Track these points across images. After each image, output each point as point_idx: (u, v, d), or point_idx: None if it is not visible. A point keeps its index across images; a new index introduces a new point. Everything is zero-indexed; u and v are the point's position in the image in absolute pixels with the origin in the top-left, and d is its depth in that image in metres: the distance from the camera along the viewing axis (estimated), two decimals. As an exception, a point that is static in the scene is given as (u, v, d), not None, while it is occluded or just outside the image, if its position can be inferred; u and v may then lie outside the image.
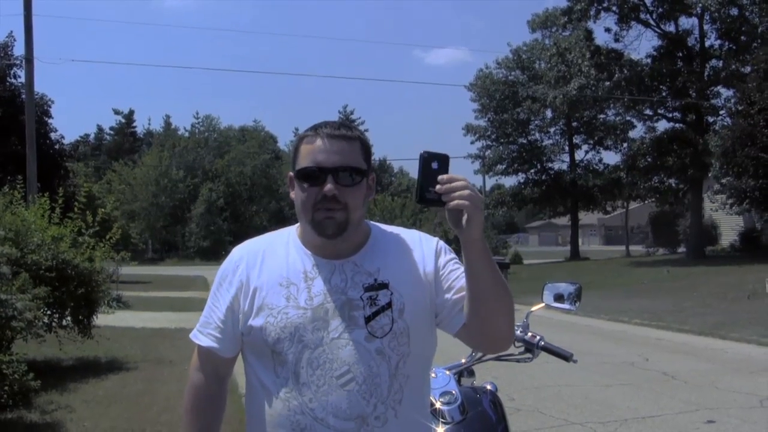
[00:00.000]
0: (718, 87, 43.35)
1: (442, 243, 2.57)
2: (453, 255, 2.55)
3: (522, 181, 61.16)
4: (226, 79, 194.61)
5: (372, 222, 2.57)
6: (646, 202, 58.28)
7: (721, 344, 15.16)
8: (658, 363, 12.90)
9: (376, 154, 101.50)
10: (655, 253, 51.29)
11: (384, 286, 2.40)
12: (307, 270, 2.43)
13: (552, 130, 61.14)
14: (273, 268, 2.46)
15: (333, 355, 2.32)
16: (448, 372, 3.50)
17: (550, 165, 61.29)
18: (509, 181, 66.01)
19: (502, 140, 60.25)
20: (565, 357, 3.67)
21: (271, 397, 2.38)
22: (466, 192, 2.22)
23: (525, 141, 60.53)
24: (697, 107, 42.07)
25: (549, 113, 57.64)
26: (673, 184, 46.86)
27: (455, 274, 2.47)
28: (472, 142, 61.30)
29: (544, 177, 60.70)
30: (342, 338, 2.34)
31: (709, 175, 37.41)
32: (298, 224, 2.54)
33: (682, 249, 48.05)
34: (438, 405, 3.30)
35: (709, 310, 20.29)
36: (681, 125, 44.20)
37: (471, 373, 3.82)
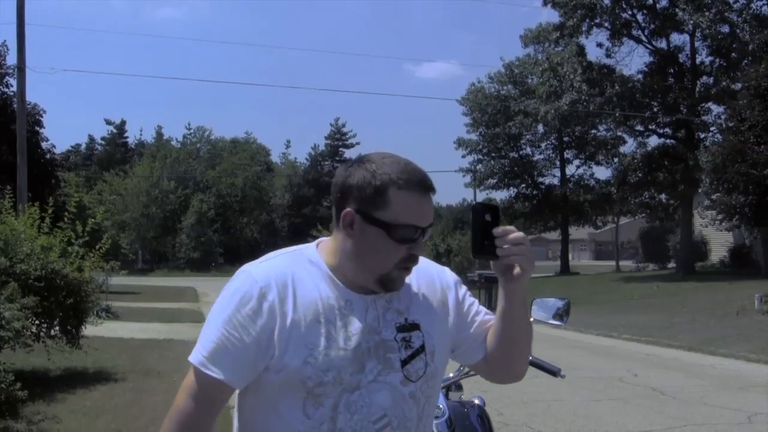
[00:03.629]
0: (709, 103, 43.53)
1: (454, 274, 2.56)
2: (465, 286, 2.56)
3: (513, 195, 61.30)
4: (218, 91, 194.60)
5: None
6: (636, 217, 58.37)
7: (710, 360, 15.18)
8: (647, 378, 12.91)
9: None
10: (645, 269, 51.35)
11: (416, 326, 2.31)
12: (342, 306, 2.24)
13: (543, 144, 61.33)
14: (307, 302, 2.22)
15: (370, 399, 2.21)
16: (435, 386, 3.49)
17: (541, 179, 61.47)
18: (500, 195, 66.03)
19: (493, 154, 60.36)
20: (553, 372, 3.67)
21: None
22: (524, 248, 2.27)
23: (516, 155, 60.66)
24: (688, 123, 42.19)
25: (541, 128, 57.84)
26: (664, 200, 46.96)
27: (474, 308, 2.52)
28: (463, 156, 61.51)
29: (535, 191, 60.82)
30: (378, 381, 2.22)
31: (700, 191, 37.47)
32: (320, 245, 2.38)
33: (672, 265, 48.12)
34: (426, 419, 3.29)
35: (698, 326, 20.32)
36: (672, 141, 44.33)
37: (459, 388, 3.82)
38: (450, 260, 46.53)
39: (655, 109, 44.06)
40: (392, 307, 2.30)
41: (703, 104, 43.40)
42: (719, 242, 44.15)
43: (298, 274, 2.25)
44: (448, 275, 2.52)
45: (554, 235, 70.28)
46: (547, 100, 46.72)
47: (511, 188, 60.96)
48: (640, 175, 43.37)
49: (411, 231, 2.20)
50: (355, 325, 2.23)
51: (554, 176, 61.37)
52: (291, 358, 2.16)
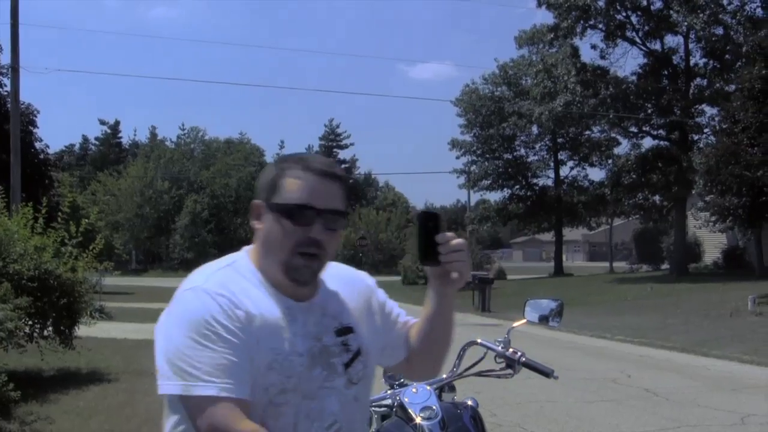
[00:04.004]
0: (703, 105, 43.61)
1: (372, 278, 2.60)
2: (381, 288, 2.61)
3: (507, 196, 61.25)
4: (213, 91, 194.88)
5: None
6: (630, 218, 58.48)
7: (704, 361, 15.20)
8: (640, 380, 12.92)
9: (362, 168, 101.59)
10: (639, 270, 51.42)
11: (351, 329, 2.34)
12: (286, 313, 2.23)
13: (537, 146, 61.29)
14: (263, 308, 2.20)
15: (322, 405, 2.22)
16: (429, 387, 3.48)
17: (535, 181, 61.44)
18: (494, 197, 66.11)
19: (487, 155, 60.31)
20: (546, 373, 3.66)
21: None
22: (464, 254, 2.32)
23: (510, 156, 60.62)
24: (682, 125, 42.26)
25: (535, 129, 57.87)
26: (658, 201, 47.04)
27: (396, 309, 2.59)
28: (457, 157, 61.39)
29: (529, 193, 60.81)
30: (326, 387, 2.23)
31: (693, 192, 37.52)
32: (248, 252, 2.35)
33: (665, 266, 48.20)
34: (418, 420, 3.29)
35: (691, 328, 20.35)
36: (666, 143, 44.40)
37: (452, 389, 3.82)
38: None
39: (649, 111, 44.13)
40: (327, 313, 2.31)
41: (697, 106, 43.48)
42: (713, 244, 44.22)
43: (243, 285, 2.24)
44: (368, 279, 2.57)
45: (548, 236, 70.37)
46: (541, 101, 46.77)
47: (505, 189, 60.93)
48: (633, 176, 43.43)
49: (304, 211, 2.20)
50: (301, 332, 2.22)
51: (548, 177, 61.43)
52: (257, 364, 2.14)
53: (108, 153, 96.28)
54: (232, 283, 2.22)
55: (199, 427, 2.11)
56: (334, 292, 2.39)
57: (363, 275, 2.57)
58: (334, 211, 2.24)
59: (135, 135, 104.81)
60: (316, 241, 2.21)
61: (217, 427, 2.07)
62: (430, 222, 2.32)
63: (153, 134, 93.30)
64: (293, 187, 2.22)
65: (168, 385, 2.14)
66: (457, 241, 2.31)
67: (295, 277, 2.22)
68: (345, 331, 2.32)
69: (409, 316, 2.62)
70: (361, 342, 2.34)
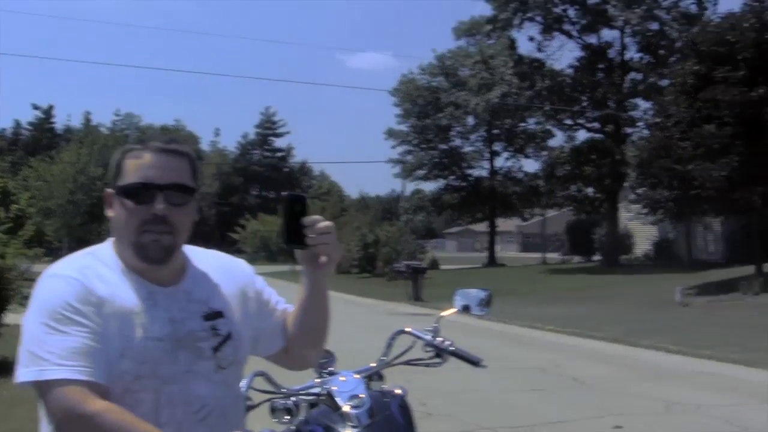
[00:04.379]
0: (637, 99, 44.30)
1: (250, 265, 2.61)
2: (260, 276, 2.62)
3: (442, 186, 61.53)
4: (149, 77, 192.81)
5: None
6: (563, 210, 59.02)
7: (632, 351, 15.41)
8: (569, 369, 13.07)
9: (298, 156, 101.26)
10: (571, 261, 51.97)
11: (220, 314, 2.33)
12: (146, 298, 2.22)
13: (473, 136, 61.60)
14: (117, 294, 2.19)
15: (188, 389, 2.20)
16: (357, 375, 3.49)
17: (470, 171, 61.78)
18: (429, 187, 66.30)
19: (423, 145, 60.47)
20: (474, 362, 3.69)
21: None
22: (331, 236, 2.34)
23: (446, 147, 60.84)
24: (616, 118, 42.85)
25: (470, 120, 58.15)
26: (591, 193, 47.57)
27: (274, 297, 2.61)
28: (393, 147, 61.53)
29: (463, 183, 61.12)
30: (192, 371, 2.22)
31: (626, 185, 38.03)
32: (112, 242, 2.33)
33: (597, 257, 48.77)
34: (346, 409, 3.29)
35: (621, 318, 20.63)
36: (600, 135, 44.98)
37: (381, 377, 3.83)
38: (378, 251, 46.59)
39: (584, 104, 44.69)
40: (194, 298, 2.31)
41: (631, 100, 44.16)
42: (644, 235, 44.87)
43: (101, 271, 2.24)
44: (245, 266, 2.57)
45: (482, 226, 70.75)
46: (477, 92, 47.16)
47: (440, 180, 61.20)
48: (567, 168, 43.90)
49: (143, 188, 2.20)
50: (162, 317, 2.22)
51: (483, 168, 61.79)
52: (111, 351, 2.12)
53: (41, 138, 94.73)
54: (89, 270, 2.22)
55: (50, 411, 2.11)
56: (205, 278, 2.39)
57: (241, 263, 2.58)
58: (177, 186, 2.24)
59: (69, 120, 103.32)
60: (160, 217, 2.20)
61: (67, 409, 2.05)
62: (297, 205, 2.33)
63: (87, 120, 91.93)
64: (133, 168, 2.24)
65: (23, 372, 2.13)
66: (325, 224, 2.33)
67: (147, 255, 2.22)
68: (214, 315, 2.32)
69: (288, 304, 2.63)
70: (232, 327, 2.34)
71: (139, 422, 2.05)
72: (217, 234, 74.25)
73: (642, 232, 44.13)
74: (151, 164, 2.23)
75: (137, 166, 2.23)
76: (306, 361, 2.73)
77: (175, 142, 2.33)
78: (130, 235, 2.23)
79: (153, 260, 2.23)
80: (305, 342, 2.59)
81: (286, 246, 2.35)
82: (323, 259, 2.39)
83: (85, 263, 2.25)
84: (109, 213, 2.30)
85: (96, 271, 2.23)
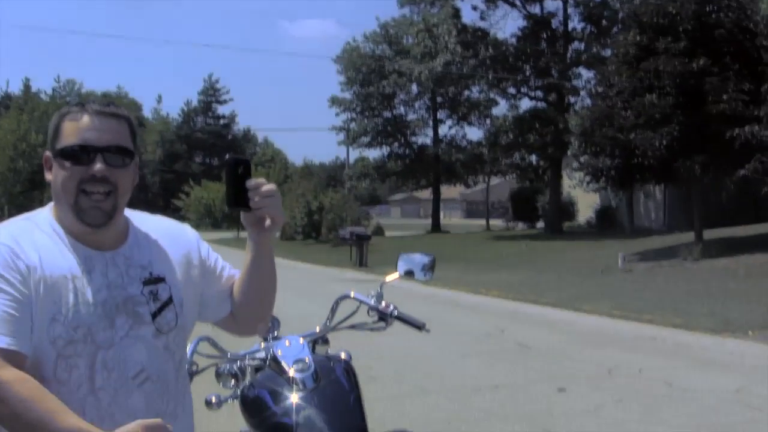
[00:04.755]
0: (580, 69, 44.57)
1: (195, 231, 2.60)
2: (206, 242, 2.60)
3: (386, 154, 61.39)
4: (89, 43, 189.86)
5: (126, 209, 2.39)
6: (507, 177, 59.31)
7: (575, 316, 15.59)
8: (513, 334, 13.19)
9: (241, 123, 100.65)
10: (515, 228, 52.29)
11: (161, 279, 2.32)
12: (82, 263, 2.21)
13: (417, 104, 61.49)
14: (51, 260, 2.17)
15: (124, 355, 2.19)
16: (302, 340, 3.48)
17: (414, 139, 61.67)
18: (373, 154, 66.36)
19: (367, 113, 60.25)
20: (418, 326, 3.70)
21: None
22: (275, 199, 2.35)
23: (390, 115, 60.70)
24: (559, 87, 43.06)
25: (414, 88, 58.00)
26: (534, 161, 47.88)
27: (220, 263, 2.60)
28: (337, 114, 61.22)
29: (407, 151, 61.04)
30: (130, 336, 2.21)
31: (569, 153, 38.25)
32: (51, 208, 2.31)
33: (540, 224, 49.11)
34: (291, 373, 3.28)
35: (564, 284, 20.84)
36: (543, 104, 45.20)
37: (325, 342, 3.83)
38: (322, 217, 46.53)
39: (528, 73, 44.86)
40: (134, 263, 2.29)
41: (574, 69, 44.41)
42: (586, 203, 45.27)
43: (37, 236, 2.22)
44: (189, 231, 2.56)
45: (426, 193, 70.97)
46: (421, 60, 47.03)
47: (384, 147, 61.02)
48: (511, 136, 44.12)
49: (81, 150, 2.19)
50: (98, 282, 2.20)
51: (427, 136, 61.72)
52: (39, 317, 2.10)
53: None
54: (23, 235, 2.19)
55: None
56: (147, 243, 2.37)
57: (186, 228, 2.57)
58: (116, 148, 2.22)
59: (7, 87, 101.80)
60: (99, 178, 2.18)
61: None
62: (240, 167, 2.32)
63: (27, 86, 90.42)
64: (71, 130, 2.21)
65: None
66: (268, 187, 2.34)
67: (86, 219, 2.20)
68: (154, 281, 2.31)
69: (235, 270, 2.62)
70: (174, 292, 2.33)
71: (48, 398, 1.98)
72: (160, 201, 73.74)
73: (585, 199, 44.50)
74: (89, 126, 2.21)
75: (75, 129, 2.21)
76: (254, 325, 2.72)
77: (113, 105, 2.31)
78: (69, 197, 2.20)
79: (93, 224, 2.21)
80: (253, 306, 2.58)
81: (229, 209, 2.35)
82: (267, 222, 2.39)
83: (19, 229, 2.22)
84: (48, 176, 2.27)
85: (31, 236, 2.20)
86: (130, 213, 2.40)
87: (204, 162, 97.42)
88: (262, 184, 2.32)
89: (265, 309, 2.67)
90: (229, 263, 2.66)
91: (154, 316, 2.26)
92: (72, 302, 2.14)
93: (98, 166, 2.18)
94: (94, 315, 2.16)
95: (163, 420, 2.20)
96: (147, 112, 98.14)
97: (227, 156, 2.35)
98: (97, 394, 2.14)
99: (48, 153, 2.27)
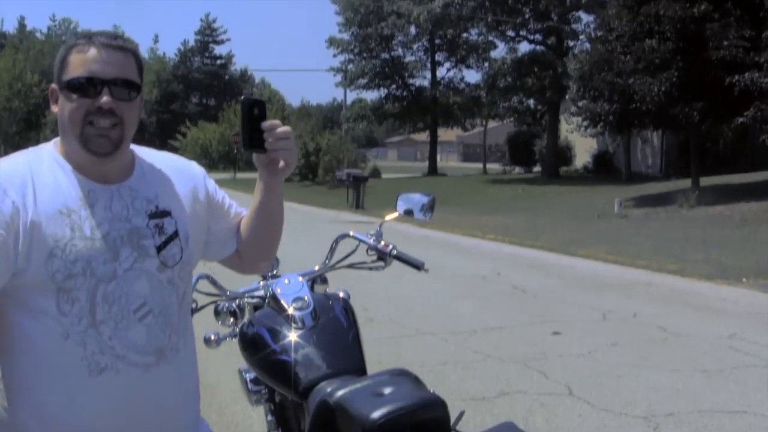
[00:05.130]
0: (579, 12, 44.24)
1: (201, 168, 2.59)
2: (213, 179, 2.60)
3: (383, 96, 61.28)
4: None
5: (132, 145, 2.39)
6: (504, 121, 59.26)
7: (570, 261, 15.63)
8: (509, 277, 13.23)
9: (238, 64, 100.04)
10: (511, 172, 52.29)
11: (167, 213, 2.32)
12: (83, 196, 2.21)
13: (415, 46, 61.24)
14: (47, 195, 2.17)
15: (128, 287, 2.19)
16: (301, 278, 3.49)
17: (411, 81, 61.57)
18: (371, 96, 66.33)
19: (365, 54, 60.01)
20: (417, 266, 3.71)
21: (56, 340, 2.13)
22: (289, 142, 2.32)
23: (388, 56, 60.46)
24: (558, 31, 42.84)
25: (413, 30, 57.67)
26: (532, 105, 47.78)
27: (227, 200, 2.59)
28: (334, 56, 61.13)
29: (405, 93, 60.92)
30: (134, 269, 2.21)
31: (567, 97, 38.14)
32: (55, 142, 2.30)
33: (537, 168, 49.14)
34: (290, 311, 3.29)
35: (560, 228, 20.88)
36: (542, 48, 44.95)
37: (324, 281, 3.84)
38: (319, 159, 46.46)
39: (527, 16, 44.53)
40: (140, 196, 2.29)
41: (574, 12, 44.11)
42: (583, 148, 45.21)
43: (36, 169, 2.20)
44: (196, 167, 2.55)
45: (423, 136, 70.91)
46: (420, 2, 46.66)
47: (382, 89, 60.94)
48: (509, 80, 44.01)
49: (88, 82, 2.17)
50: (101, 215, 2.20)
51: (425, 78, 61.60)
52: (36, 254, 2.11)
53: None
54: (16, 173, 2.18)
55: None
56: (154, 177, 2.37)
57: (193, 164, 2.55)
58: (123, 81, 2.21)
59: (2, 26, 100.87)
60: (106, 111, 2.17)
61: None
62: (256, 109, 2.31)
63: (22, 25, 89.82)
64: (79, 62, 2.19)
65: None
66: (283, 129, 2.32)
67: (93, 148, 2.19)
68: (160, 214, 2.30)
69: (241, 208, 2.62)
70: (179, 227, 2.33)
71: None
72: (157, 142, 73.48)
73: (582, 144, 44.44)
74: (96, 59, 2.19)
75: (82, 61, 2.19)
76: (258, 264, 2.72)
77: (120, 38, 2.28)
78: (75, 128, 2.18)
79: (99, 153, 2.19)
80: (259, 246, 2.59)
81: (245, 150, 2.32)
82: (281, 164, 2.36)
83: (13, 165, 2.21)
84: (54, 108, 2.25)
85: (33, 171, 2.19)
86: (137, 148, 2.40)
87: (201, 102, 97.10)
88: (277, 126, 2.30)
89: (270, 249, 2.67)
90: (235, 201, 2.65)
91: (159, 249, 2.26)
92: (69, 237, 2.14)
93: (105, 98, 2.16)
94: (92, 249, 2.15)
95: (164, 355, 2.23)
96: (144, 52, 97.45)
97: (242, 97, 2.33)
98: (98, 327, 2.14)
99: (54, 85, 2.25)
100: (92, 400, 2.15)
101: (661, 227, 20.21)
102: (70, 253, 2.13)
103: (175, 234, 2.31)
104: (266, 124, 2.29)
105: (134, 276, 2.21)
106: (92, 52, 2.19)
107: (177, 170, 2.45)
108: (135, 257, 2.22)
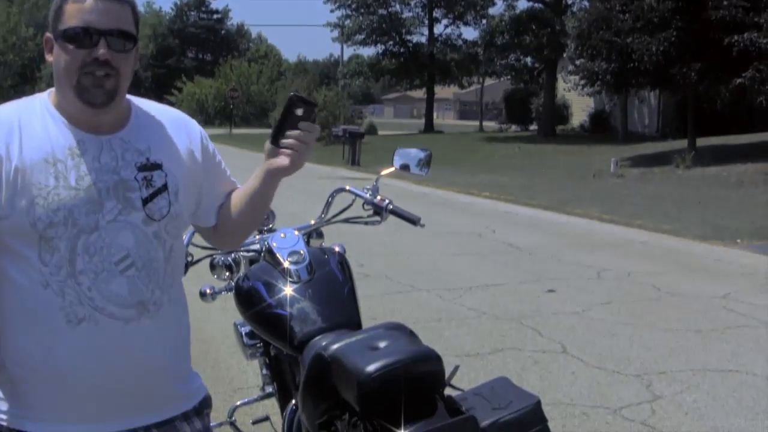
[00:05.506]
0: (579, -31, 43.87)
1: (201, 128, 2.55)
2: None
3: (380, 52, 60.92)
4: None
5: (128, 96, 2.36)
6: (501, 79, 58.98)
7: (566, 219, 15.65)
8: (504, 235, 13.24)
9: (235, 18, 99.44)
10: (508, 130, 52.16)
11: (158, 166, 2.28)
12: (73, 146, 2.19)
13: (413, 2, 60.74)
14: (34, 143, 2.17)
15: (110, 239, 2.17)
16: (297, 232, 3.49)
17: (409, 37, 61.11)
18: (367, 52, 65.86)
19: (362, 10, 59.54)
20: (413, 221, 3.71)
21: (36, 288, 2.14)
22: (309, 148, 2.32)
23: (385, 12, 60.00)
24: (557, -12, 42.50)
25: (411, -15, 57.29)
26: (529, 63, 47.54)
27: (225, 174, 2.56)
28: (331, 11, 60.55)
29: (402, 49, 60.57)
30: (118, 221, 2.19)
31: (564, 56, 38.00)
32: (49, 93, 2.29)
33: (533, 127, 49.00)
34: (286, 264, 3.30)
35: (556, 187, 20.88)
36: (540, 5, 44.64)
37: (320, 235, 3.84)
38: (316, 114, 46.19)
39: (525, -28, 44.20)
40: (131, 148, 2.26)
41: (573, -31, 43.72)
42: (580, 107, 45.09)
43: (25, 118, 2.20)
44: (196, 125, 2.51)
45: (420, 93, 70.56)
46: (418, -44, 46.31)
47: (379, 45, 60.52)
48: (507, 37, 43.72)
49: (84, 33, 2.15)
50: (89, 165, 2.19)
51: (422, 35, 61.14)
52: (19, 201, 2.11)
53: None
54: (13, 116, 2.19)
55: None
56: (148, 128, 2.34)
57: (194, 123, 2.51)
58: (119, 32, 2.18)
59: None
60: (102, 62, 2.15)
61: None
62: (300, 109, 2.29)
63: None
64: (75, 12, 2.16)
65: None
66: (310, 136, 2.30)
67: (87, 98, 2.16)
68: (150, 167, 2.27)
69: (234, 180, 2.59)
70: (169, 180, 2.29)
71: None
72: (152, 97, 72.92)
73: (579, 103, 44.32)
74: (92, 9, 2.15)
75: (78, 10, 2.16)
76: (230, 242, 2.75)
77: None
78: (70, 78, 2.16)
79: (93, 103, 2.17)
80: (240, 226, 2.56)
81: (271, 143, 2.29)
82: (286, 162, 2.32)
83: (9, 113, 2.21)
84: (49, 58, 2.23)
85: (22, 119, 2.19)
86: (136, 99, 2.38)
87: (197, 57, 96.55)
88: (313, 129, 2.30)
89: (248, 232, 2.71)
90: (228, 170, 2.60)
91: (146, 202, 2.23)
92: (53, 186, 2.13)
93: (102, 50, 2.14)
94: (76, 198, 2.14)
95: (146, 308, 2.22)
96: (140, 6, 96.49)
97: (292, 93, 2.30)
98: (77, 277, 2.13)
99: (49, 34, 2.23)
100: (71, 350, 2.15)
101: (657, 187, 20.24)
102: (53, 201, 2.12)
103: (164, 187, 2.28)
104: (304, 125, 2.28)
105: (118, 228, 2.19)
106: (88, 1, 2.16)
107: (175, 124, 2.41)
108: (120, 209, 2.19)
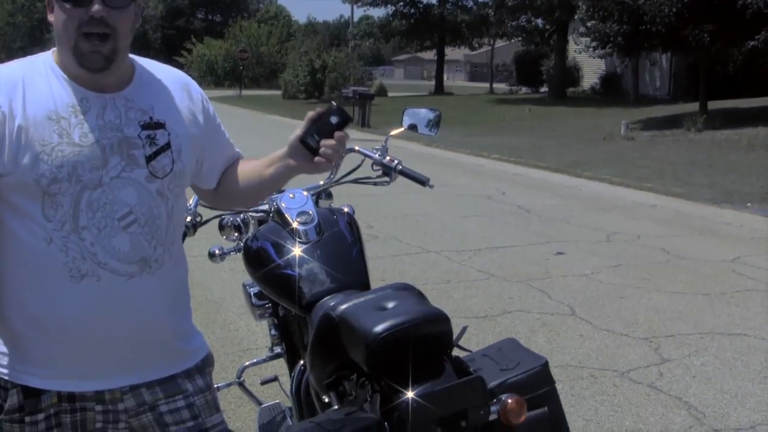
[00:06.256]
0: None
1: (202, 90, 2.54)
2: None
3: (391, 13, 60.61)
4: None
5: (132, 55, 2.35)
6: (512, 40, 58.67)
7: (576, 182, 15.63)
8: (514, 197, 13.24)
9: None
10: (518, 92, 51.97)
11: (161, 125, 2.29)
12: (76, 103, 2.19)
13: (424, -38, 60.43)
14: (38, 101, 2.17)
15: (113, 195, 2.18)
16: (306, 193, 3.48)
17: (419, -2, 60.81)
18: (378, 13, 65.65)
19: (372, -30, 59.28)
20: (422, 181, 3.69)
21: (39, 244, 2.16)
22: (337, 155, 2.34)
23: (396, -28, 59.68)
24: (569, -52, 42.12)
25: (421, -56, 56.86)
26: (540, 25, 47.22)
27: (224, 137, 2.57)
28: (343, -29, 60.24)
29: (412, 10, 60.22)
30: (122, 178, 2.20)
31: (576, 17, 37.73)
32: (53, 51, 2.27)
33: (544, 89, 48.80)
34: (295, 225, 3.29)
35: (566, 149, 20.81)
36: (551, -34, 44.30)
37: (329, 196, 3.83)
38: (325, 76, 46.19)
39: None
40: (135, 106, 2.26)
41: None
42: (591, 69, 44.87)
43: (29, 76, 2.20)
44: (197, 87, 2.51)
45: (430, 54, 70.34)
46: None
47: (389, 6, 60.18)
48: (518, -2, 43.40)
49: None
50: (92, 123, 2.19)
51: (433, -5, 60.84)
52: (22, 157, 2.12)
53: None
54: (18, 74, 2.20)
55: None
56: (152, 88, 2.34)
57: (194, 84, 2.51)
58: None
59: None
60: (98, 19, 2.13)
61: None
62: (336, 118, 2.32)
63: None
64: None
65: None
66: (344, 145, 2.34)
67: (85, 63, 2.16)
68: (154, 125, 2.28)
69: (237, 151, 2.60)
70: (172, 139, 2.30)
71: None
72: (162, 58, 72.95)
73: (590, 65, 44.09)
74: None
75: None
76: (231, 205, 2.88)
77: None
78: (69, 40, 2.16)
79: (92, 68, 2.17)
80: (244, 198, 2.62)
81: (300, 141, 2.30)
82: (310, 165, 2.34)
83: (13, 70, 2.21)
84: (50, 18, 2.22)
85: (26, 77, 2.19)
86: (140, 59, 2.37)
87: (206, 18, 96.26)
88: (345, 139, 2.33)
89: (248, 204, 2.87)
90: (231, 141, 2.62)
91: (149, 159, 2.24)
92: (56, 142, 2.14)
93: (96, 7, 2.12)
94: (79, 155, 2.15)
95: (149, 265, 2.24)
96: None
97: (333, 103, 2.35)
98: (81, 233, 2.15)
99: None
100: (74, 305, 2.17)
101: (668, 150, 20.14)
102: (57, 158, 2.13)
103: (167, 146, 2.28)
104: (341, 134, 2.31)
105: (121, 184, 2.20)
106: None
107: (177, 84, 2.41)
108: (123, 166, 2.20)
